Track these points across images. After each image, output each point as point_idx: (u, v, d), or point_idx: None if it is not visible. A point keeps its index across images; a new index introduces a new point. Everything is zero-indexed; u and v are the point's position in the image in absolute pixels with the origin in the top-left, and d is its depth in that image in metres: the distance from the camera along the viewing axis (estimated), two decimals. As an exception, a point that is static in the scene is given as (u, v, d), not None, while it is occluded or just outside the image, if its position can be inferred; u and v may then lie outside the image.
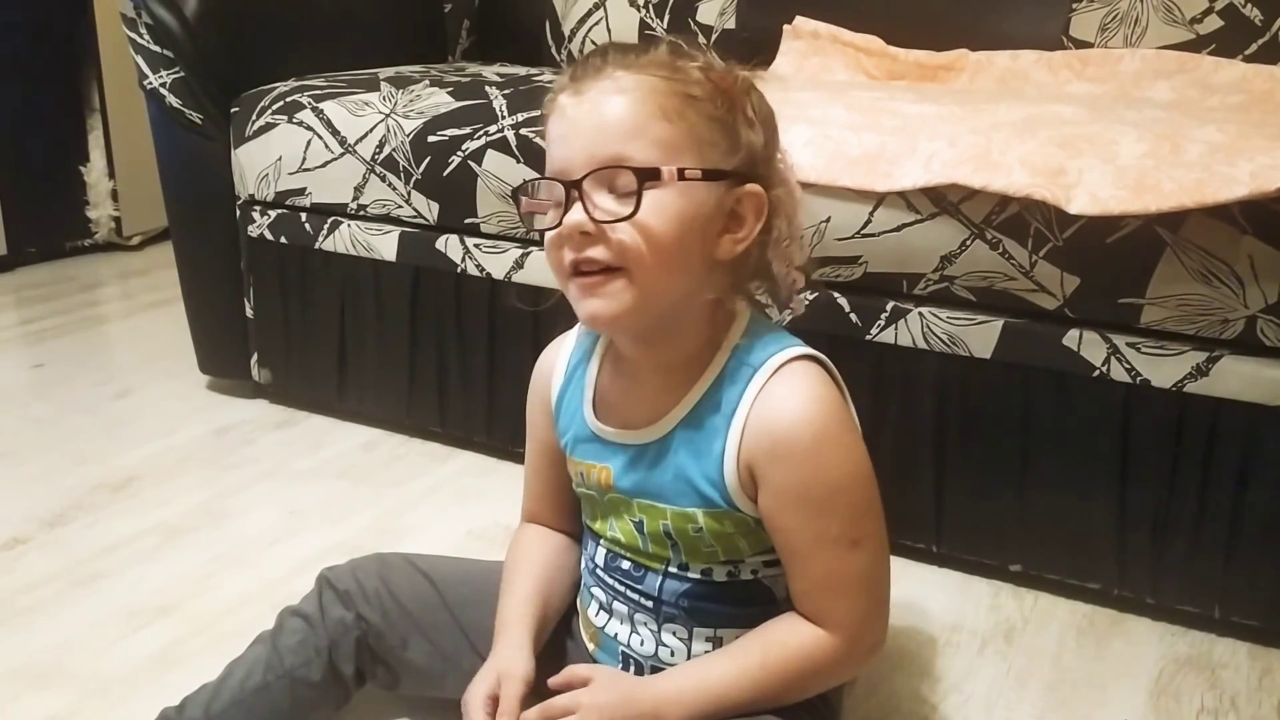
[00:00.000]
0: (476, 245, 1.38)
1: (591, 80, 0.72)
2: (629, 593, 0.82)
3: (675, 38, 0.76)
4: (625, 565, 0.82)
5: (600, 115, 0.71)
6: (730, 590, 0.80)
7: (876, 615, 0.78)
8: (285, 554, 1.21)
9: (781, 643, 0.76)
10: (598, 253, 0.71)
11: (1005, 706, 0.98)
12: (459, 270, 1.40)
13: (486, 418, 1.44)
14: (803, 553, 0.75)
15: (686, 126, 0.72)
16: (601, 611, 0.85)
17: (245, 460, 1.46)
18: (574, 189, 0.71)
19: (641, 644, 0.82)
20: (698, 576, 0.80)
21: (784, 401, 0.74)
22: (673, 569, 0.80)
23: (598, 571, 0.85)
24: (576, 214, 0.71)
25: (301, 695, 0.84)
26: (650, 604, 0.81)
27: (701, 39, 1.77)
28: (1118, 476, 1.08)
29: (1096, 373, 1.06)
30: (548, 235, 0.74)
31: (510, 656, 0.80)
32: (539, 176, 0.76)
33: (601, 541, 0.84)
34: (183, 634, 1.06)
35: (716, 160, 0.73)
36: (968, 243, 1.07)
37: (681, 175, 0.71)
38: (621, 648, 0.83)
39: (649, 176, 0.70)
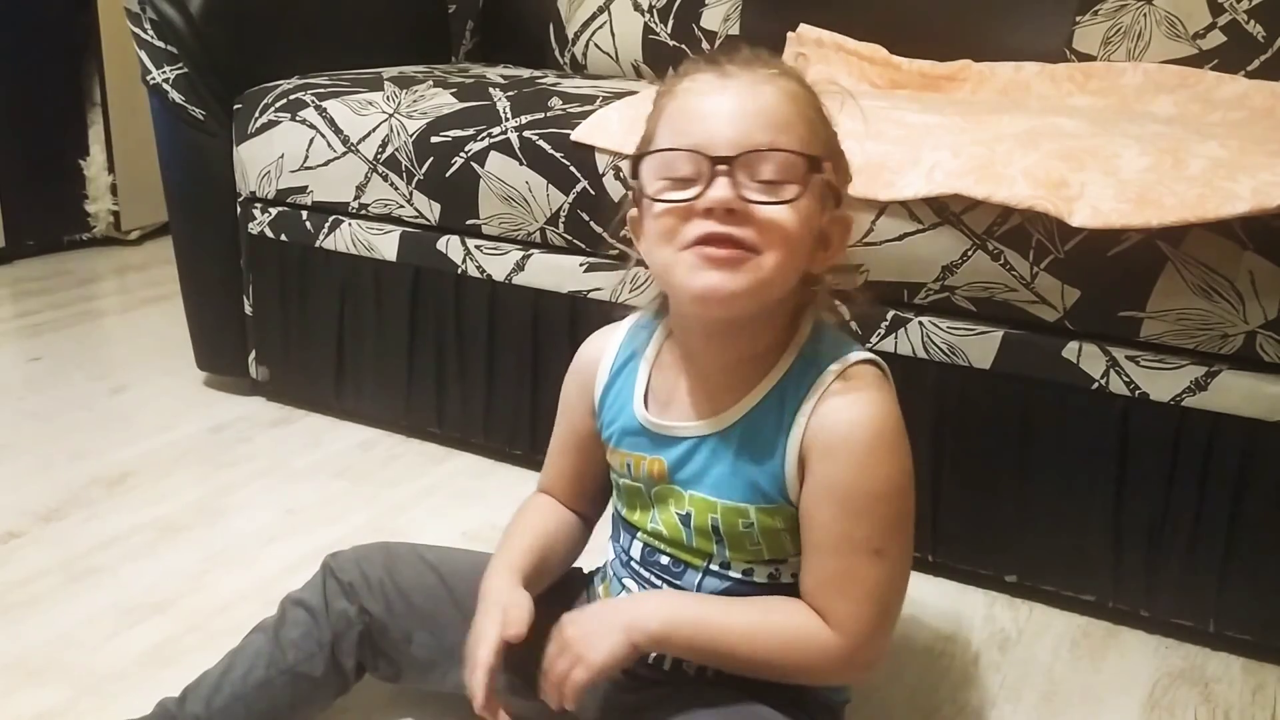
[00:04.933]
0: (478, 246, 1.38)
1: (741, 68, 0.73)
2: (665, 588, 0.82)
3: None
4: (664, 560, 0.82)
5: (756, 101, 0.72)
6: (768, 592, 0.79)
7: (879, 630, 0.76)
8: (281, 552, 1.21)
9: (786, 611, 0.76)
10: (740, 232, 0.71)
11: (999, 718, 0.98)
12: (459, 271, 1.40)
13: (484, 419, 1.44)
14: (824, 549, 0.75)
15: (820, 139, 0.75)
16: None
17: (242, 458, 1.46)
18: (723, 164, 0.70)
19: None
20: (739, 576, 0.79)
21: (849, 402, 0.75)
22: (714, 566, 0.80)
23: (632, 564, 0.84)
24: (722, 190, 0.70)
25: (303, 689, 0.84)
26: None
27: (705, 45, 1.78)
28: (1114, 489, 1.08)
29: (1095, 385, 1.06)
30: (667, 207, 0.73)
31: (485, 617, 0.77)
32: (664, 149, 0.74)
33: (639, 535, 0.83)
34: (177, 631, 1.06)
35: (836, 178, 0.76)
36: (969, 253, 1.08)
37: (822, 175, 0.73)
38: None
39: (816, 167, 0.72)
